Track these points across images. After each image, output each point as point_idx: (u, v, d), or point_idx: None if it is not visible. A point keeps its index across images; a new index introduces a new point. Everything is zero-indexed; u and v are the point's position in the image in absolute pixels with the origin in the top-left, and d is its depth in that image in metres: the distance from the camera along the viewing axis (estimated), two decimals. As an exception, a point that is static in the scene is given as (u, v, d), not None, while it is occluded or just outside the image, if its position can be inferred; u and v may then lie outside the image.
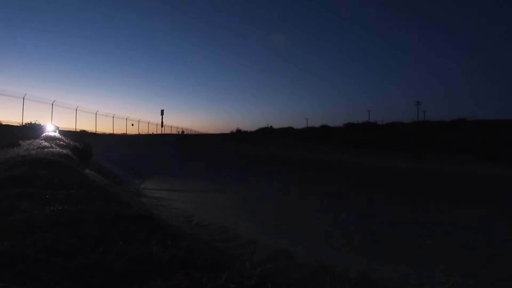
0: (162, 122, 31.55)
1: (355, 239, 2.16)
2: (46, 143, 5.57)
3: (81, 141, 6.76)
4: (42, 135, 8.14)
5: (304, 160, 8.05)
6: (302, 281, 1.46)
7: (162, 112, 30.69)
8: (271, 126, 30.28)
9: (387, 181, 4.66)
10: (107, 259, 1.19)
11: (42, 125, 12.99)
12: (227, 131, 26.93)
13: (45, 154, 4.10)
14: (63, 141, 6.56)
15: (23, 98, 17.78)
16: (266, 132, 24.51)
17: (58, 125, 15.77)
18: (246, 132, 23.80)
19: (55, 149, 4.90)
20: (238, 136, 21.73)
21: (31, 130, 10.89)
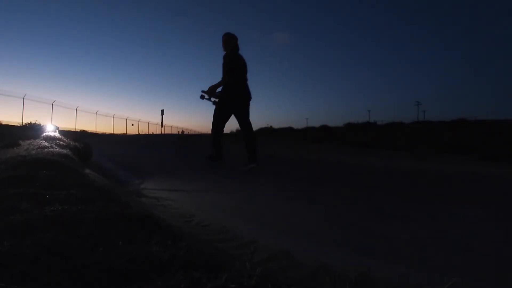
0: (162, 122, 31.53)
1: (355, 239, 2.16)
2: (46, 143, 5.56)
3: (81, 141, 6.75)
4: (42, 135, 8.13)
5: (304, 160, 8.05)
6: (302, 281, 1.46)
7: (162, 112, 30.73)
8: (271, 126, 30.33)
9: (387, 181, 4.65)
10: (107, 259, 1.19)
11: (42, 125, 13.01)
12: (227, 131, 26.96)
13: (45, 154, 4.09)
14: (63, 141, 6.54)
15: (23, 98, 17.75)
16: (266, 132, 24.49)
17: (58, 125, 15.80)
18: (246, 132, 23.74)
19: (55, 149, 4.89)
20: (238, 136, 21.71)
21: (31, 130, 10.89)
